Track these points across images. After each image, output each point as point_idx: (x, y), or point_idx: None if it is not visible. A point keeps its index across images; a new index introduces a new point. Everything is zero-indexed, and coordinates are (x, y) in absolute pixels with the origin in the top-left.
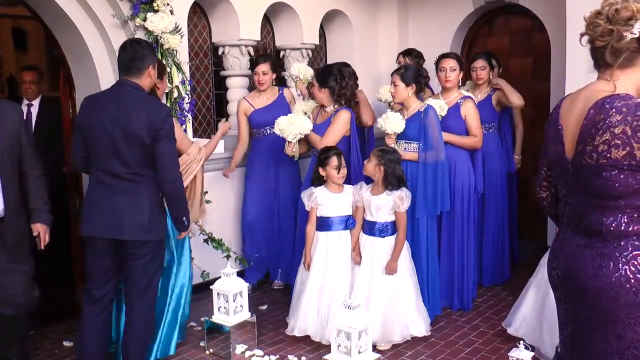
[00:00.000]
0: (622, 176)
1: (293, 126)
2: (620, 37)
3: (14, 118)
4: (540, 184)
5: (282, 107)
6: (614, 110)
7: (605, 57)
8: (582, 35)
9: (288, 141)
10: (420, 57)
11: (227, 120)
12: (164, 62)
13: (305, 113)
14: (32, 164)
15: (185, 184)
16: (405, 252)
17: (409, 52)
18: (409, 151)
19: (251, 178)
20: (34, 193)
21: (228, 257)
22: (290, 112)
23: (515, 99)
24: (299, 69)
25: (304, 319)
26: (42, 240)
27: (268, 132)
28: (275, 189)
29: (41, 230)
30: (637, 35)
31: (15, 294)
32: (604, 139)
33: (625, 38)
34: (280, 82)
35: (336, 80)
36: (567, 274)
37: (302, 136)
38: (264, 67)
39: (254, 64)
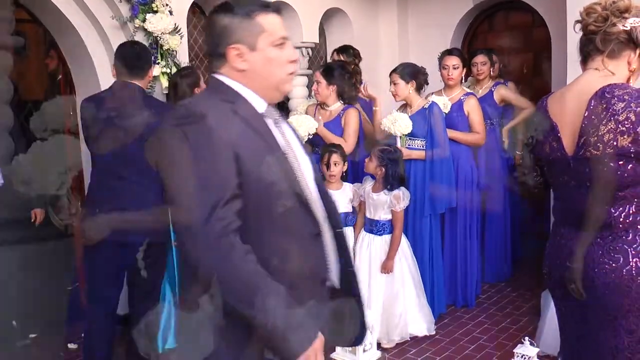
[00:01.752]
0: (630, 166)
1: (302, 128)
2: (613, 25)
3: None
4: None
5: None
6: (616, 98)
7: (595, 42)
8: (576, 22)
9: None
10: (357, 56)
11: None
12: (164, 63)
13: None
14: None
15: None
16: (407, 250)
17: (343, 50)
18: (413, 148)
19: None
20: None
21: None
22: None
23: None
24: None
25: None
26: None
27: None
28: None
29: None
30: (627, 29)
31: None
32: (609, 127)
33: (617, 27)
34: None
35: (344, 78)
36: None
37: (311, 136)
38: None
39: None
